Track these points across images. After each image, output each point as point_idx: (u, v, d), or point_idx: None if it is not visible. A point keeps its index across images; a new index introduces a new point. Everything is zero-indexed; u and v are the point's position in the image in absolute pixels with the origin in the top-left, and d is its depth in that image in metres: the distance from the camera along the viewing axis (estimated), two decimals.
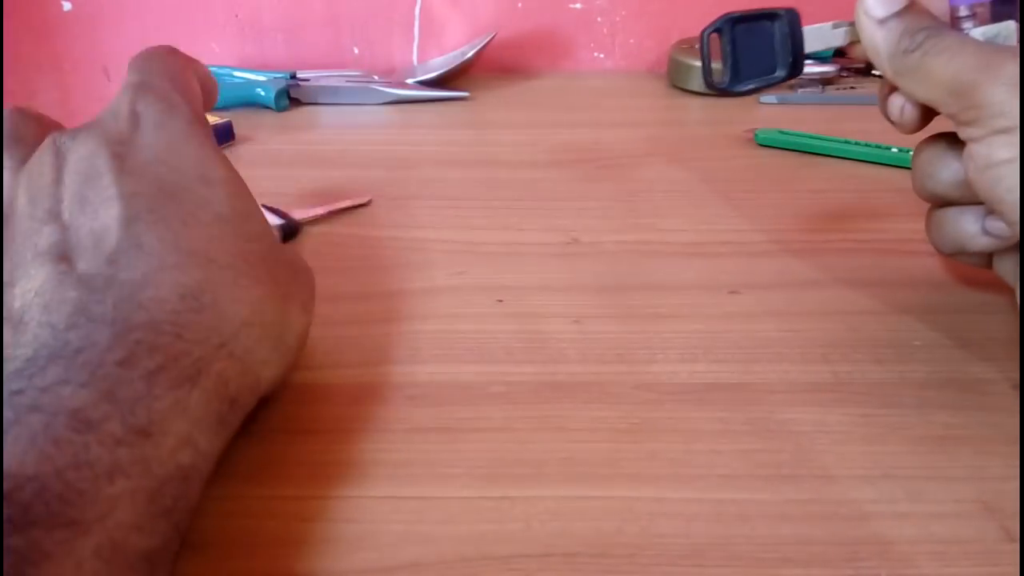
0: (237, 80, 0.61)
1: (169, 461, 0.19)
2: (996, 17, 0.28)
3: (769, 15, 0.31)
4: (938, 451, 0.25)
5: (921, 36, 0.26)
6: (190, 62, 0.29)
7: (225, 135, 0.52)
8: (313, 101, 0.60)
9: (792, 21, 0.30)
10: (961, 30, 0.28)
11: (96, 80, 0.73)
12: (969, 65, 0.25)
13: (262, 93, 0.59)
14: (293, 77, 0.61)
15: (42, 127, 0.26)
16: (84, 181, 0.23)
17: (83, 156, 0.23)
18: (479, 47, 0.61)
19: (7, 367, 0.19)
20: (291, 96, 0.60)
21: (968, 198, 0.28)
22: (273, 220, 0.38)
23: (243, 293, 0.23)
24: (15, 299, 0.21)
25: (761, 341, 0.30)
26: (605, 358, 0.29)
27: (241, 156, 0.51)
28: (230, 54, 0.70)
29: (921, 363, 0.28)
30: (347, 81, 0.60)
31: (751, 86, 0.32)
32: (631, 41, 0.67)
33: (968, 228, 0.28)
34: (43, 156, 0.24)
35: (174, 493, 0.19)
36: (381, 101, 0.59)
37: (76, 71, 0.73)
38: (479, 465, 0.24)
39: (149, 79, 0.26)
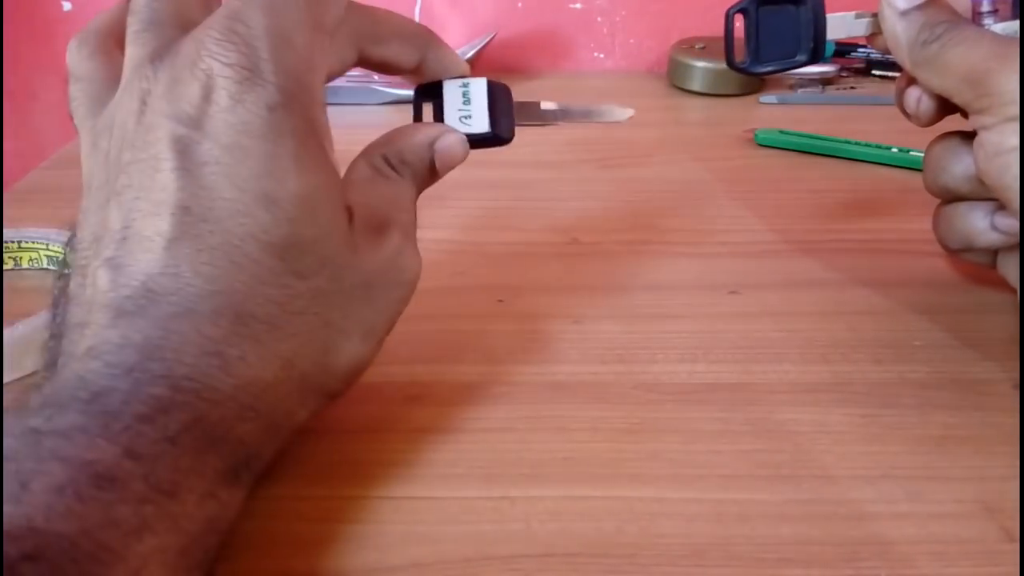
0: None
1: (195, 515, 0.18)
2: (1017, 13, 0.28)
3: None
4: (938, 451, 0.25)
5: (941, 29, 0.26)
6: None
7: None
8: None
9: (816, 7, 0.30)
10: (982, 25, 0.28)
11: None
12: (985, 55, 0.25)
13: None
14: None
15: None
16: (145, 163, 0.20)
17: (151, 124, 0.21)
18: (479, 47, 0.61)
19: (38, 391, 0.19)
20: None
21: (978, 193, 0.28)
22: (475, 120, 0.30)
23: (276, 348, 0.21)
24: (86, 287, 0.20)
25: (761, 341, 0.30)
26: (605, 358, 0.29)
27: None
28: None
29: (921, 363, 0.28)
30: (347, 81, 0.60)
31: (771, 68, 0.31)
32: (631, 41, 0.66)
33: (977, 224, 0.29)
34: (131, 90, 0.21)
35: (202, 544, 0.19)
36: (381, 101, 0.59)
37: None
38: (479, 465, 0.24)
39: (243, 19, 0.21)
